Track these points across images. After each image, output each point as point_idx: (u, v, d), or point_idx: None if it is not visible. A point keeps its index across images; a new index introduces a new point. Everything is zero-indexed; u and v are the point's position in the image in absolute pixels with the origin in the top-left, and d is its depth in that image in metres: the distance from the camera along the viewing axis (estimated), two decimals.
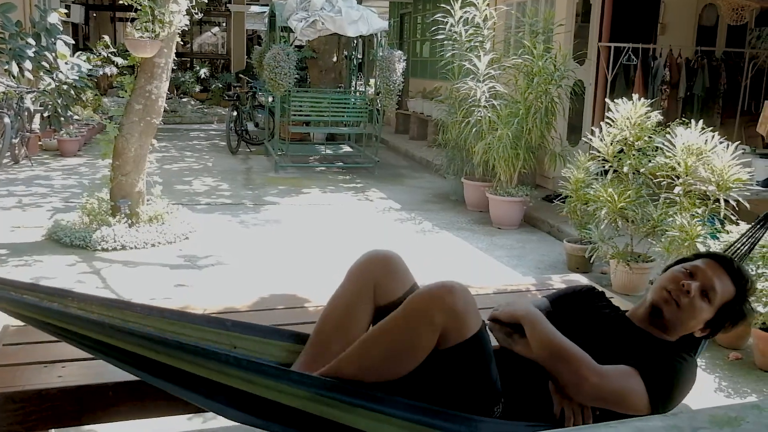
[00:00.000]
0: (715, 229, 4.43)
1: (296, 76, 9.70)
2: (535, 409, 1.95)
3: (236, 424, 1.86)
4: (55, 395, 2.02)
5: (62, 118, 6.34)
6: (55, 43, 5.76)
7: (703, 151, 4.55)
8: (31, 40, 5.46)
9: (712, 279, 2.07)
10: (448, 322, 1.83)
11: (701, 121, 4.69)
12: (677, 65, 7.62)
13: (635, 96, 5.19)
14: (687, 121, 4.78)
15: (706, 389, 3.64)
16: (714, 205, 4.48)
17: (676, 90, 7.66)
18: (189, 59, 21.80)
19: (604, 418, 1.94)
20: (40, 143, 10.39)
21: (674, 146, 4.67)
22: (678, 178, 4.64)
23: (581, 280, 3.49)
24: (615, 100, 5.25)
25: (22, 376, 2.07)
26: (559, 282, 3.37)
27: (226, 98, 13.18)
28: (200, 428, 2.87)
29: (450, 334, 1.84)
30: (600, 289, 2.43)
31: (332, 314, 2.19)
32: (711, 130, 4.64)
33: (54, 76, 6.03)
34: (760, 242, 3.95)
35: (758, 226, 2.51)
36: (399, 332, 1.88)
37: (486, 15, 7.60)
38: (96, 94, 11.72)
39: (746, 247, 2.54)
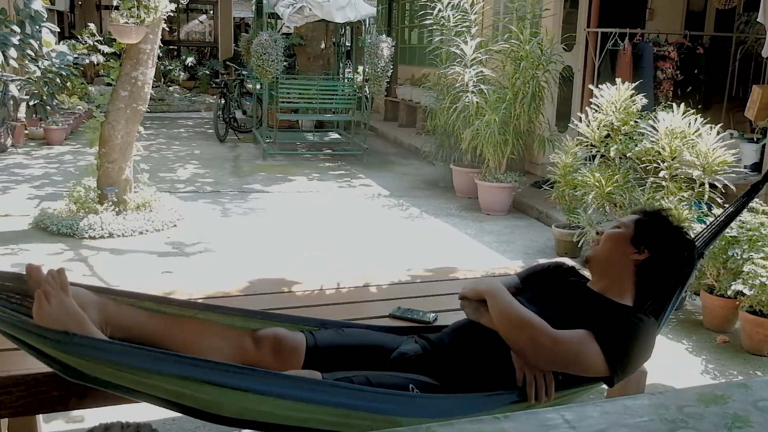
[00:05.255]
0: (702, 213, 4.44)
1: (284, 63, 9.66)
2: (499, 378, 2.01)
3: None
4: (41, 380, 2.00)
5: (48, 107, 6.29)
6: (40, 31, 5.71)
7: (687, 134, 4.56)
8: (15, 28, 5.41)
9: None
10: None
11: (682, 105, 4.70)
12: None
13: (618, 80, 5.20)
14: (670, 105, 4.79)
15: (693, 371, 3.67)
16: (700, 189, 4.50)
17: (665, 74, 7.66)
18: (176, 47, 21.64)
19: (566, 381, 2.00)
20: (26, 132, 10.31)
21: (657, 131, 4.68)
22: (663, 162, 4.65)
23: (567, 263, 3.50)
24: (600, 86, 5.25)
25: (9, 361, 2.06)
26: None
27: (214, 86, 13.12)
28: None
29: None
30: (569, 264, 2.47)
31: (202, 330, 2.16)
32: (694, 113, 4.66)
33: (39, 64, 5.98)
34: (746, 227, 4.01)
35: (743, 199, 2.50)
36: None
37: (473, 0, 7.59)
38: (82, 83, 11.66)
39: (724, 220, 2.52)
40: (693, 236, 2.37)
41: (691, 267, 2.23)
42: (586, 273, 2.34)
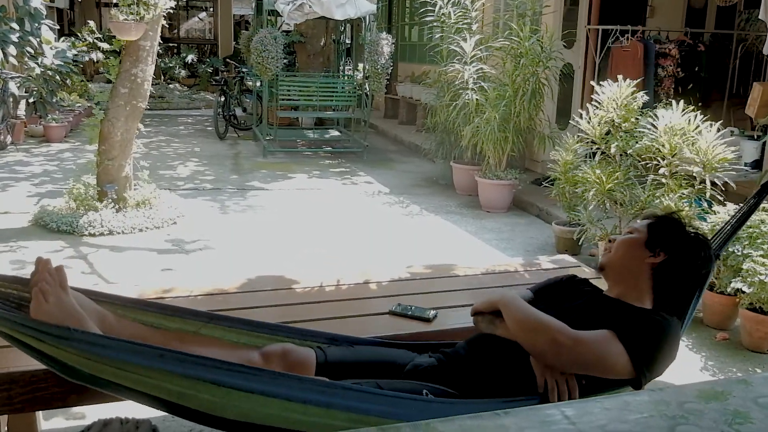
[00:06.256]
0: (703, 210, 4.44)
1: (284, 60, 9.64)
2: (519, 384, 1.96)
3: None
4: (41, 377, 2.00)
5: (48, 104, 6.28)
6: (39, 28, 5.69)
7: (687, 131, 4.55)
8: (14, 25, 5.39)
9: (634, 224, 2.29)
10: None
11: (682, 102, 4.70)
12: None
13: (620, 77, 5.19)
14: (670, 102, 4.78)
15: (692, 368, 3.66)
16: (700, 186, 4.49)
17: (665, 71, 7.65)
18: (176, 45, 21.61)
19: (590, 386, 1.94)
20: (25, 129, 10.30)
21: (656, 128, 4.67)
22: (664, 159, 4.65)
23: (567, 258, 3.50)
24: (601, 83, 5.24)
25: (8, 358, 2.05)
26: (547, 262, 3.38)
27: (214, 83, 13.11)
28: None
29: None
30: (581, 276, 2.43)
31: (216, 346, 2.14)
32: (694, 110, 4.65)
33: (39, 61, 5.97)
34: (746, 223, 4.00)
35: (755, 199, 2.47)
36: None
37: None
38: (82, 80, 11.65)
39: (737, 222, 2.49)
40: (708, 237, 2.34)
41: (708, 267, 2.20)
42: (600, 284, 2.32)
